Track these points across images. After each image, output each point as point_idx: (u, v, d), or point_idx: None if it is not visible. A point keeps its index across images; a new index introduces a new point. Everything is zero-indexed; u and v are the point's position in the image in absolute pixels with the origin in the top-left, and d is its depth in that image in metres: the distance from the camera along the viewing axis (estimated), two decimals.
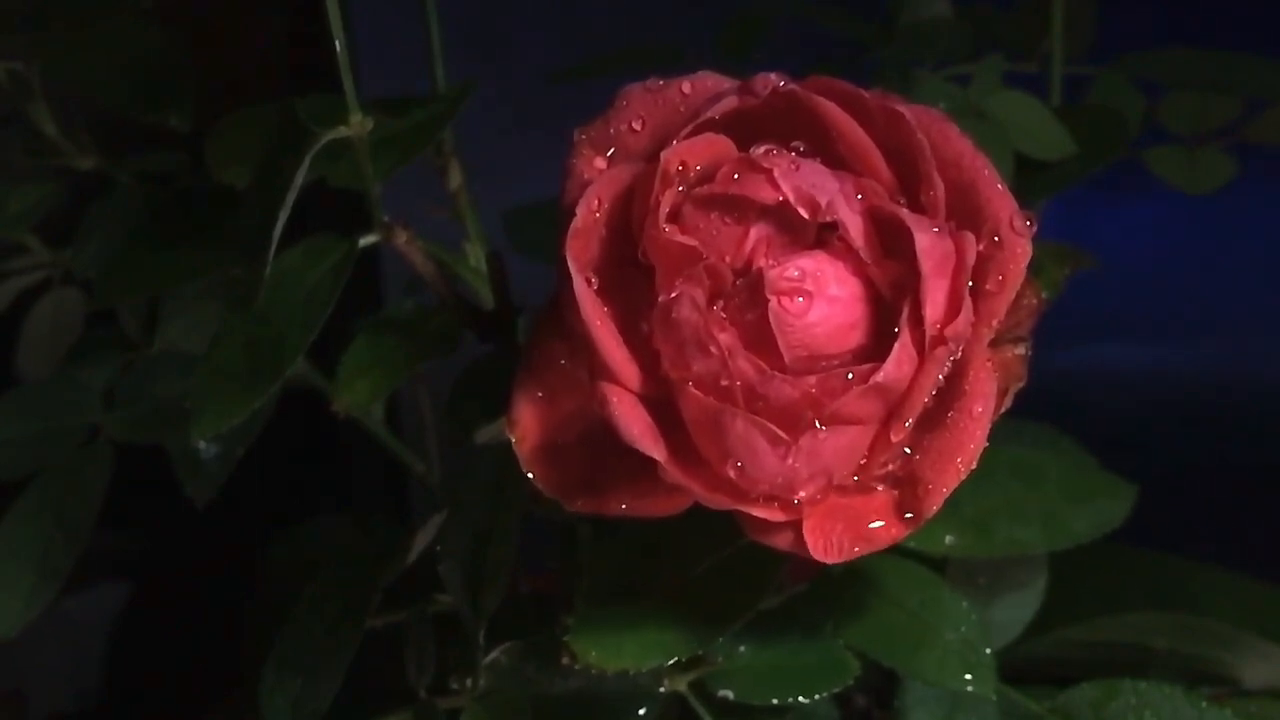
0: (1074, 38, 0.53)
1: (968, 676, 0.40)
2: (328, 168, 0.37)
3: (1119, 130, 0.48)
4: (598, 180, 0.32)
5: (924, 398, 0.29)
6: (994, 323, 0.30)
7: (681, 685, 0.41)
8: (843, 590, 0.42)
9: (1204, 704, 0.42)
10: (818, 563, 0.39)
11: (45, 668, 0.84)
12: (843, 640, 0.41)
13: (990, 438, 0.30)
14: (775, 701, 0.40)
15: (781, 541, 0.30)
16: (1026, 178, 0.46)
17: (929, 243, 0.29)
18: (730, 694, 0.41)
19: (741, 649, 0.42)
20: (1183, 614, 0.51)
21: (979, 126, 0.46)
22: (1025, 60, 0.54)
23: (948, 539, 0.43)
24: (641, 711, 0.41)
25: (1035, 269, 0.31)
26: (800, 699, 0.40)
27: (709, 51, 0.58)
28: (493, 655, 0.41)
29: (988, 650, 0.41)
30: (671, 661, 0.36)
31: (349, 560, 0.45)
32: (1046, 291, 0.34)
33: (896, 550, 0.43)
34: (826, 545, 0.30)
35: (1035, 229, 0.30)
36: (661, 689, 0.41)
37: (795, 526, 0.30)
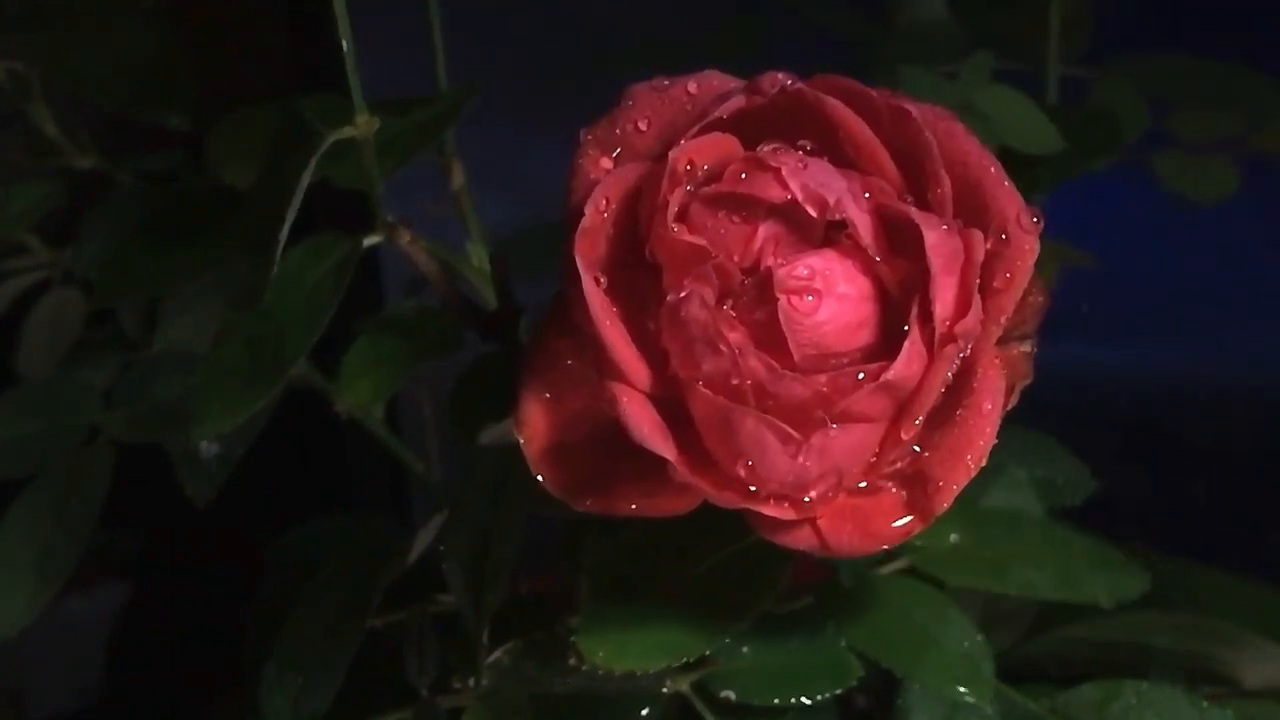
0: (1071, 39, 0.53)
1: (962, 689, 0.40)
2: (330, 168, 0.37)
3: (1112, 132, 0.48)
4: (605, 180, 0.31)
5: (934, 395, 0.29)
6: (1002, 320, 0.30)
7: (684, 685, 0.41)
8: (847, 596, 0.43)
9: (1204, 704, 0.42)
10: (823, 568, 0.39)
11: (45, 668, 0.84)
12: (844, 642, 0.41)
13: (998, 450, 0.30)
14: (777, 702, 0.40)
15: (792, 539, 0.30)
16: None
17: (938, 240, 0.29)
18: (732, 694, 0.41)
19: (744, 650, 0.41)
20: (1183, 614, 0.51)
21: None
22: (1023, 61, 0.54)
23: (952, 537, 0.43)
24: (644, 712, 0.41)
25: (1036, 267, 0.31)
26: (803, 700, 0.40)
27: (712, 51, 0.58)
28: (495, 655, 0.41)
29: (989, 664, 0.41)
30: (679, 663, 0.36)
31: (349, 560, 0.44)
32: None
33: (905, 571, 0.43)
34: (837, 542, 0.30)
35: (1041, 226, 0.31)
36: (664, 689, 0.41)
37: (806, 525, 0.30)
